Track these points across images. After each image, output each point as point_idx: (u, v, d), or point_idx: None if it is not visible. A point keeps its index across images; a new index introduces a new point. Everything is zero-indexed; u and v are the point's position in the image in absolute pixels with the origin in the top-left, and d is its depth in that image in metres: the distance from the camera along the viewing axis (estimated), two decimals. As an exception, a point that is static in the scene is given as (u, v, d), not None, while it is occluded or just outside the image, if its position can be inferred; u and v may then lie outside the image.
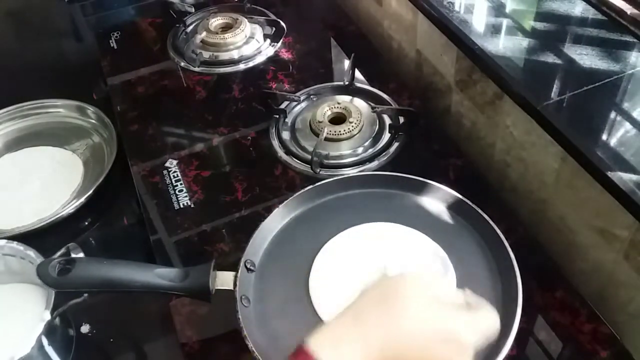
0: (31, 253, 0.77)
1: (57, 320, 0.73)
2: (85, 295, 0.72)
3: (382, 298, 0.47)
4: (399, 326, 0.45)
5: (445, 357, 0.45)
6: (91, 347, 0.79)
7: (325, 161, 0.89)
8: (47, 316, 0.70)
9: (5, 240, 0.79)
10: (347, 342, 0.45)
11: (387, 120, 0.95)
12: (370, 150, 0.90)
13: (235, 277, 0.67)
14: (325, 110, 0.94)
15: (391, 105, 0.97)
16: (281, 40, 1.15)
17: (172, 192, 0.88)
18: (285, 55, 1.13)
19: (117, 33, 1.22)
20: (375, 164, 0.89)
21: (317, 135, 0.91)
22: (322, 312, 0.67)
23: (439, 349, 0.45)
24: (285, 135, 0.95)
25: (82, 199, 0.92)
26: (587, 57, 0.77)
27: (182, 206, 0.86)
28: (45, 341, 0.71)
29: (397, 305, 0.46)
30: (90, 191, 0.92)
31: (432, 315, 0.46)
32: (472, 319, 0.47)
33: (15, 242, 0.79)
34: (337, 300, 0.61)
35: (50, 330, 0.71)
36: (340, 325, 0.46)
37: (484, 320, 0.49)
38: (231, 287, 0.66)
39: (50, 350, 0.72)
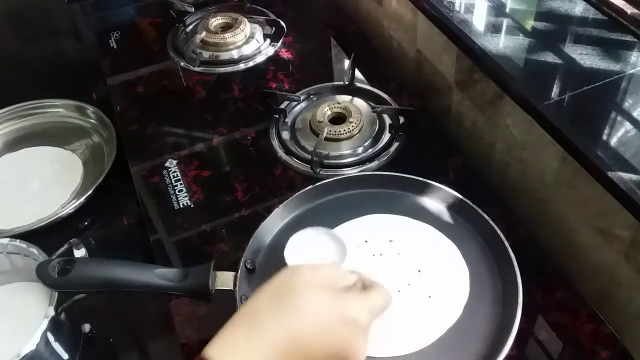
0: (34, 250, 0.77)
1: (63, 316, 0.73)
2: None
3: (274, 294, 0.48)
4: (295, 319, 0.46)
5: (344, 340, 0.46)
6: (92, 347, 0.79)
7: (325, 161, 0.89)
8: (51, 312, 0.70)
9: (8, 239, 0.80)
10: (245, 344, 0.45)
11: (387, 120, 0.95)
12: (370, 150, 0.90)
13: (235, 277, 0.67)
14: (325, 110, 0.94)
15: (391, 105, 0.97)
16: (281, 40, 1.15)
17: (172, 192, 0.88)
18: (285, 55, 1.13)
19: (117, 33, 1.22)
20: (375, 164, 0.88)
21: (317, 135, 0.91)
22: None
23: (337, 334, 0.46)
24: (285, 135, 0.95)
25: (82, 199, 0.92)
26: (587, 57, 0.77)
27: (182, 206, 0.85)
28: (51, 337, 0.71)
29: (290, 298, 0.47)
30: (90, 191, 0.92)
31: (324, 302, 0.47)
32: (364, 298, 0.49)
33: (18, 240, 0.79)
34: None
35: (56, 327, 0.71)
36: (237, 327, 0.46)
37: (376, 297, 0.50)
38: (231, 287, 0.66)
39: (57, 346, 0.73)
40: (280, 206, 0.77)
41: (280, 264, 0.72)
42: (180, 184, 0.89)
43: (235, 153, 0.95)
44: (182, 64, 1.12)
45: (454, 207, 0.76)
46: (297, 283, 0.48)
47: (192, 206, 0.85)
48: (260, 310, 0.47)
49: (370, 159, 0.89)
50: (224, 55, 1.12)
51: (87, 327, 0.80)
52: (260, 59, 1.12)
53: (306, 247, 0.68)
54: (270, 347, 0.45)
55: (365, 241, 0.73)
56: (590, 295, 0.71)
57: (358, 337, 0.47)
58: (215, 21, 1.18)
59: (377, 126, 0.93)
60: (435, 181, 0.77)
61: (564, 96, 0.72)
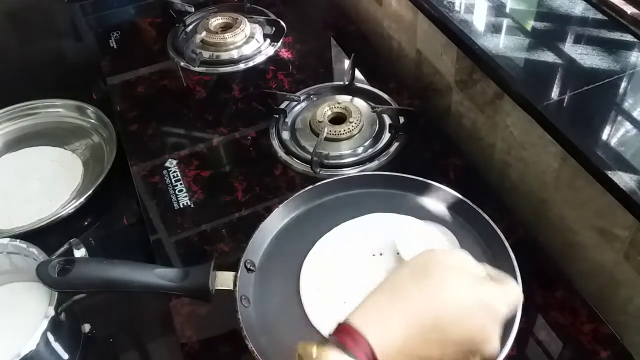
0: (34, 250, 0.77)
1: (63, 316, 0.73)
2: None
3: (417, 272, 0.48)
4: (439, 297, 0.46)
5: (482, 325, 0.47)
6: (92, 347, 0.79)
7: (325, 161, 0.89)
8: (51, 312, 0.70)
9: (8, 239, 0.80)
10: (389, 313, 0.46)
11: (387, 120, 0.95)
12: (370, 150, 0.90)
13: (235, 277, 0.67)
14: (325, 110, 0.94)
15: (391, 105, 0.97)
16: (281, 40, 1.15)
17: (172, 192, 0.88)
18: (285, 55, 1.13)
19: (117, 33, 1.22)
20: (375, 164, 0.88)
21: (317, 135, 0.91)
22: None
23: (476, 318, 0.47)
24: (285, 135, 0.95)
25: (82, 199, 0.92)
26: (587, 57, 0.77)
27: (182, 206, 0.85)
28: (51, 337, 0.71)
29: (434, 277, 0.47)
30: (90, 191, 0.92)
31: (467, 285, 0.47)
32: (502, 290, 0.49)
33: (18, 240, 0.79)
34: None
35: (56, 327, 0.71)
36: (380, 298, 0.47)
37: (511, 291, 0.51)
38: (231, 287, 0.66)
39: (57, 346, 0.73)
40: (280, 206, 0.77)
41: (280, 264, 0.72)
42: (180, 184, 0.89)
43: (235, 153, 0.95)
44: (182, 64, 1.12)
45: (454, 207, 0.76)
46: (440, 264, 0.49)
47: (192, 206, 0.85)
48: (405, 285, 0.47)
49: (370, 159, 0.89)
50: (224, 55, 1.12)
51: (87, 327, 0.80)
52: (260, 59, 1.12)
53: (418, 239, 0.69)
54: (412, 319, 0.45)
55: (365, 241, 0.73)
56: (590, 295, 0.71)
57: (494, 324, 0.47)
58: (215, 21, 1.18)
59: (377, 126, 0.93)
60: (435, 181, 0.77)
61: (564, 96, 0.72)
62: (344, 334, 0.44)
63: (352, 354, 0.43)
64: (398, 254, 0.71)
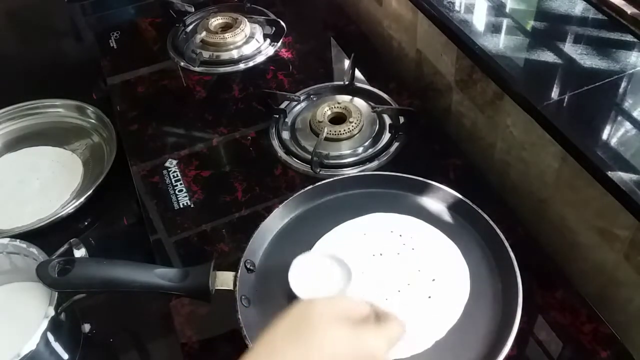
0: (34, 250, 0.77)
1: (63, 316, 0.73)
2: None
3: (291, 329, 0.47)
4: (315, 354, 0.45)
5: None
6: (92, 347, 0.79)
7: (325, 161, 0.89)
8: (51, 312, 0.70)
9: (8, 239, 0.80)
10: None
11: (387, 120, 0.95)
12: (370, 150, 0.90)
13: (235, 277, 0.67)
14: (325, 110, 0.94)
15: (391, 105, 0.97)
16: (281, 40, 1.15)
17: (171, 192, 0.88)
18: (285, 55, 1.13)
19: (117, 33, 1.22)
20: (375, 164, 0.88)
21: (317, 135, 0.91)
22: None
23: None
24: (285, 135, 0.95)
25: (82, 199, 0.92)
26: (587, 57, 0.77)
27: (182, 206, 0.85)
28: (51, 337, 0.71)
29: (308, 333, 0.46)
30: (90, 191, 0.92)
31: (342, 336, 0.47)
32: (380, 329, 0.49)
33: (18, 240, 0.79)
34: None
35: (56, 327, 0.71)
36: None
37: (391, 327, 0.50)
38: (231, 287, 0.66)
39: (57, 346, 0.73)
40: (280, 206, 0.77)
41: (280, 264, 0.72)
42: (180, 184, 0.89)
43: (235, 153, 0.95)
44: (182, 64, 1.12)
45: (454, 207, 0.76)
46: (314, 317, 0.47)
47: (192, 206, 0.85)
48: (278, 346, 0.46)
49: (370, 159, 0.89)
50: (224, 55, 1.12)
51: (87, 327, 0.80)
52: (260, 59, 1.12)
53: (310, 273, 0.67)
54: None
55: (365, 241, 0.73)
56: (590, 295, 0.71)
57: None
58: (215, 21, 1.18)
59: (377, 126, 0.93)
60: (435, 181, 0.77)
61: (563, 96, 0.72)
62: None
63: None
64: (398, 254, 0.72)
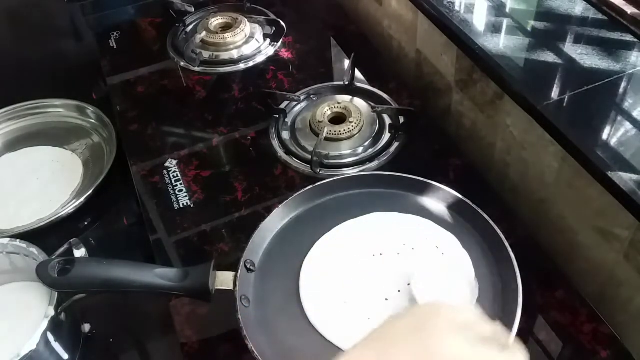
0: (34, 250, 0.77)
1: (63, 316, 0.73)
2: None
3: (411, 328, 0.44)
4: (437, 358, 0.42)
5: None
6: (92, 347, 0.79)
7: (325, 161, 0.89)
8: (51, 312, 0.70)
9: (8, 239, 0.80)
10: None
11: (387, 120, 0.95)
12: (370, 150, 0.90)
13: (235, 277, 0.67)
14: (325, 110, 0.94)
15: (391, 105, 0.97)
16: (281, 40, 1.15)
17: (172, 192, 0.88)
18: (285, 55, 1.13)
19: (117, 33, 1.22)
20: (375, 164, 0.88)
21: (317, 135, 0.91)
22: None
23: None
24: (285, 135, 0.95)
25: (82, 199, 0.92)
26: (587, 57, 0.77)
27: (181, 206, 0.85)
28: (51, 337, 0.71)
29: (428, 337, 0.43)
30: (90, 191, 0.92)
31: (464, 351, 0.43)
32: (505, 358, 0.45)
33: (18, 240, 0.79)
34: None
35: (56, 327, 0.71)
36: (367, 352, 0.43)
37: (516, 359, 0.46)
38: (231, 287, 0.66)
39: (57, 346, 0.73)
40: (280, 206, 0.77)
41: (280, 264, 0.72)
42: (180, 184, 0.89)
43: (235, 153, 0.95)
44: (182, 64, 1.12)
45: (454, 207, 0.76)
46: (438, 322, 0.44)
47: (192, 206, 0.85)
48: (395, 342, 0.43)
49: (370, 159, 0.89)
50: (224, 55, 1.12)
51: (87, 327, 0.80)
52: (260, 59, 1.12)
53: (436, 282, 0.66)
54: None
55: (365, 241, 0.73)
56: (590, 295, 0.71)
57: None
58: (215, 21, 1.18)
59: (377, 126, 0.93)
60: (436, 181, 0.77)
61: (563, 96, 0.72)
62: None
63: None
64: (398, 254, 0.72)
